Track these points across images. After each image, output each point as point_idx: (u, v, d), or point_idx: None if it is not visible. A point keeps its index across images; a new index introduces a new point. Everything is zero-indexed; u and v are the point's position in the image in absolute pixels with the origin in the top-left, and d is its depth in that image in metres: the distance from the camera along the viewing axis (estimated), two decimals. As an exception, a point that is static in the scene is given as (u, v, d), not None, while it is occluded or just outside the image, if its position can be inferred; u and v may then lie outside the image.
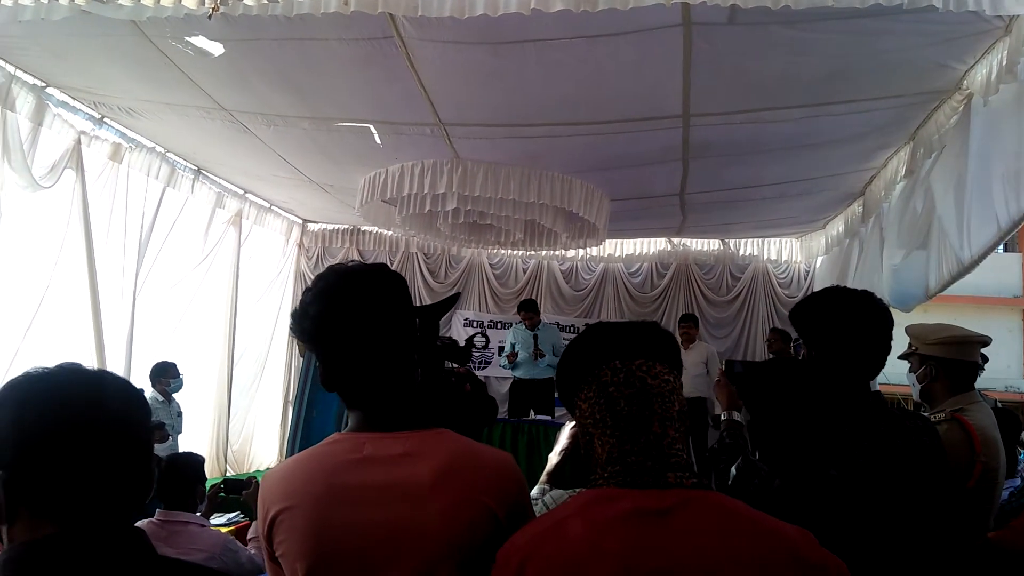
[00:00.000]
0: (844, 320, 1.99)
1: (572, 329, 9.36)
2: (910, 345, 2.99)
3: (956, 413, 2.80)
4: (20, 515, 1.05)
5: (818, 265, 8.68)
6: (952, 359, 2.91)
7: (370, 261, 9.58)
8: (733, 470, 2.04)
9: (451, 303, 1.70)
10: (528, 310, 7.85)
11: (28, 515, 1.05)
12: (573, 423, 2.15)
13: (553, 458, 2.17)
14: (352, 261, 1.54)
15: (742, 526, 1.19)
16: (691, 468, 1.26)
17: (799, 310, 2.13)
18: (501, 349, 9.59)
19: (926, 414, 2.83)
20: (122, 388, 1.15)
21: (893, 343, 2.07)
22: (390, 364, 1.45)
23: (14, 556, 1.02)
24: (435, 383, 2.38)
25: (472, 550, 1.36)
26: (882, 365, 2.02)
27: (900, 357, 2.14)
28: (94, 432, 1.06)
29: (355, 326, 1.41)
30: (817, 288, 8.25)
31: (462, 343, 7.52)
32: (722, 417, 2.18)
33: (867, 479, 1.76)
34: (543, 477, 2.15)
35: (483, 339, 8.29)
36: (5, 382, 1.10)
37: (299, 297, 1.47)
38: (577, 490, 1.82)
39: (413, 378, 1.49)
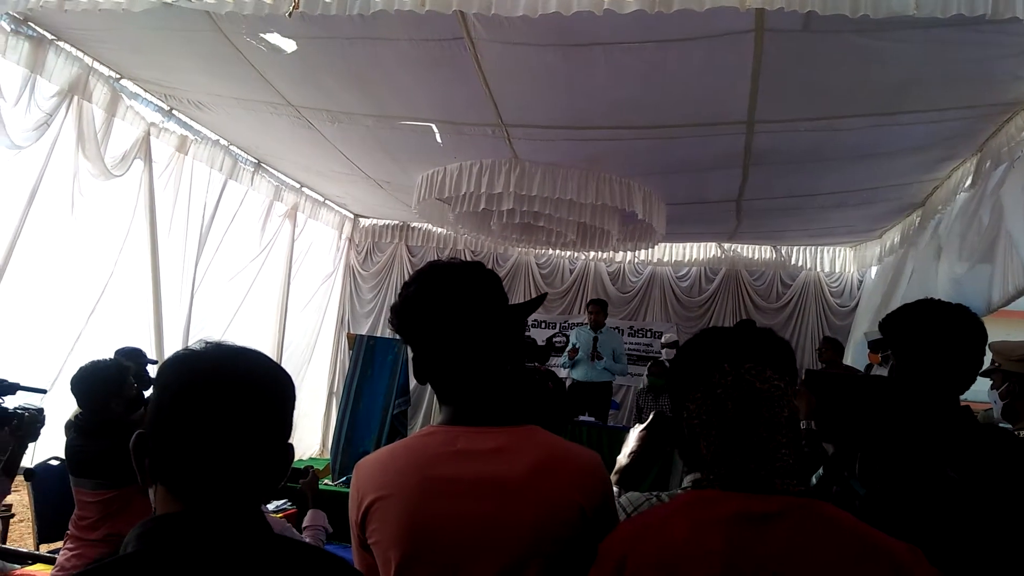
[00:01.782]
0: (938, 332, 1.96)
1: (617, 331, 9.35)
2: (993, 361, 2.94)
3: None
4: (158, 488, 1.09)
5: (872, 275, 8.54)
6: None
7: (417, 258, 9.77)
8: (813, 479, 2.04)
9: (538, 303, 1.73)
10: (596, 305, 7.92)
11: (164, 490, 1.09)
12: (642, 425, 2.17)
13: (622, 459, 2.18)
14: (453, 258, 1.57)
15: (847, 539, 1.18)
16: (798, 475, 1.26)
17: (891, 320, 2.10)
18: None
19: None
20: (266, 372, 1.15)
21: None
22: (485, 360, 1.48)
23: (145, 531, 1.05)
24: (521, 380, 2.40)
25: (561, 546, 1.38)
26: (973, 380, 1.99)
27: (982, 374, 2.11)
28: (225, 414, 1.07)
29: (454, 321, 1.44)
30: (864, 298, 8.18)
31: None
32: (801, 427, 2.17)
33: (983, 483, 1.74)
34: (612, 478, 2.16)
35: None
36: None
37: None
38: (656, 494, 1.84)
39: (504, 374, 1.52)
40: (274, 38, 4.17)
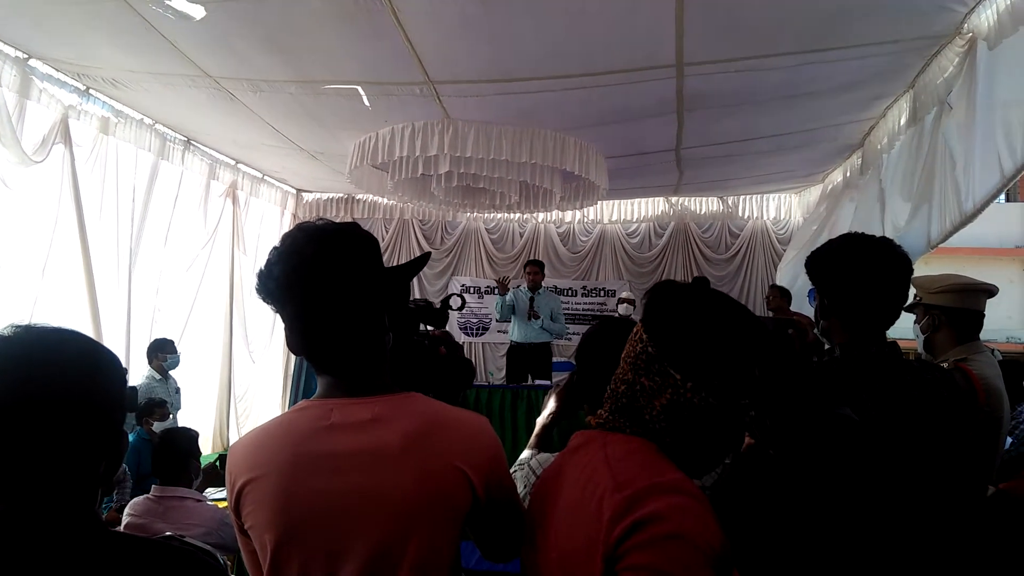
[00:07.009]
0: (862, 267, 1.91)
1: (570, 292, 9.33)
2: (915, 296, 2.93)
3: (959, 363, 2.75)
4: None
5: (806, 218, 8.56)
6: (957, 307, 2.86)
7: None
8: None
9: (421, 264, 1.65)
10: (535, 266, 7.88)
11: None
12: (560, 385, 2.13)
13: (541, 421, 2.15)
14: (321, 219, 1.45)
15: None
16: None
17: (815, 257, 2.04)
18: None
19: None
20: (71, 356, 1.07)
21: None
22: (358, 327, 1.38)
23: None
24: (407, 347, 2.32)
25: (444, 515, 1.33)
26: (897, 314, 1.96)
27: (905, 309, 2.07)
28: (32, 406, 1.00)
29: (321, 287, 1.34)
30: (796, 242, 8.22)
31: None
32: None
33: (883, 423, 1.70)
34: (531, 441, 2.12)
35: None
36: None
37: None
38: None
39: (383, 342, 1.44)
40: (180, 4, 3.96)
